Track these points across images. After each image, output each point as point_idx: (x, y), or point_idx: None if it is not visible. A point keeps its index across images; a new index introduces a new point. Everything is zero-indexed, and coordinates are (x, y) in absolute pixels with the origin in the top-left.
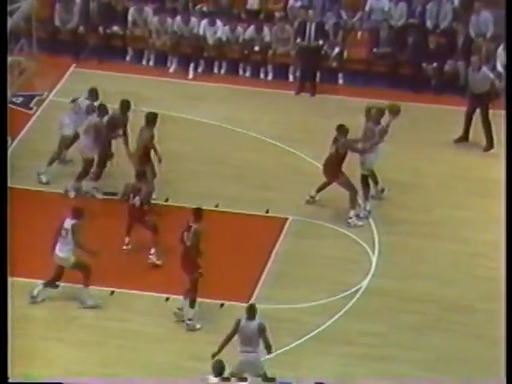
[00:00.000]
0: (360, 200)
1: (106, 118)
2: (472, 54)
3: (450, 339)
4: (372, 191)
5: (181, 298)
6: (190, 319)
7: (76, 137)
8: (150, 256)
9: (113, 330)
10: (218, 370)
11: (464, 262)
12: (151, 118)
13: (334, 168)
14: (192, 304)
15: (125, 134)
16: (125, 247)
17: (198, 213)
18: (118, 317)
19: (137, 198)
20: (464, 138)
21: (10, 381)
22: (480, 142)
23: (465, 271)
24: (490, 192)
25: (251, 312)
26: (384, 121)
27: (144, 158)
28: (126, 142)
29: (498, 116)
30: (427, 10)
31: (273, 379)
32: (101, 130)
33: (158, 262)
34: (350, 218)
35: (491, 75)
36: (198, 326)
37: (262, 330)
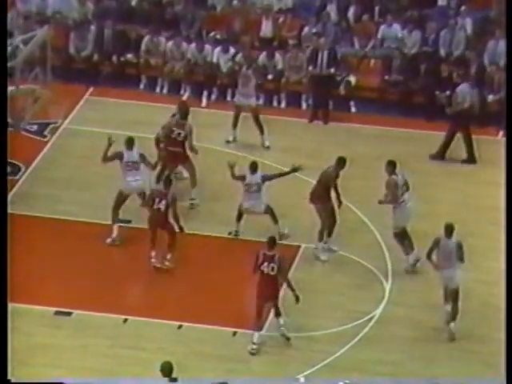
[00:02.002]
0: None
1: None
2: (485, 82)
3: (464, 368)
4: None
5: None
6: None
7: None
8: (166, 262)
9: (125, 358)
10: (168, 370)
11: (477, 291)
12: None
13: (318, 195)
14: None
15: None
16: (153, 260)
17: (273, 241)
18: (130, 345)
19: (163, 201)
20: (441, 154)
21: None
22: (489, 170)
23: (478, 299)
24: (501, 220)
25: (448, 230)
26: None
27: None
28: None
29: (489, 142)
30: (440, 38)
31: None
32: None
33: (171, 266)
34: (316, 248)
35: (469, 91)
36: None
37: (460, 247)
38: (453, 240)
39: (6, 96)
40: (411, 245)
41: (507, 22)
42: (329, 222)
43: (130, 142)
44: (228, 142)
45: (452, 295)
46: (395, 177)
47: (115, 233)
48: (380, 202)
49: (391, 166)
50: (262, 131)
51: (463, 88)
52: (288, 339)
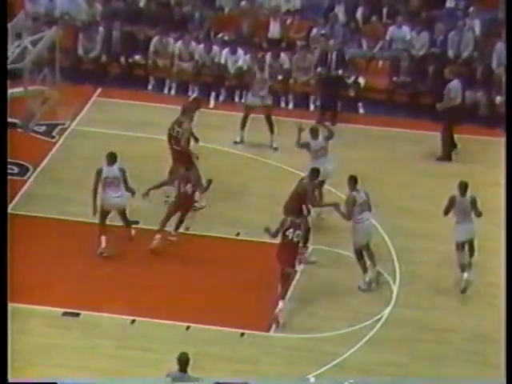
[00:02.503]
0: None
1: None
2: (492, 84)
3: (471, 370)
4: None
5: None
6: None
7: None
8: (172, 238)
9: (133, 359)
10: (184, 362)
11: (485, 292)
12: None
13: (292, 208)
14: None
15: None
16: (155, 242)
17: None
18: (138, 346)
19: (188, 185)
20: (446, 155)
21: (10, 381)
22: (497, 171)
23: (485, 301)
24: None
25: (462, 188)
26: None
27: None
28: None
29: (496, 144)
30: (449, 39)
31: None
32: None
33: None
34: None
35: (459, 87)
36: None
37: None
38: (467, 197)
39: (6, 96)
40: (372, 262)
41: (507, 22)
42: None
43: (110, 158)
44: (236, 142)
45: (469, 247)
46: (355, 193)
47: (103, 244)
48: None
49: (352, 181)
50: (272, 131)
51: (455, 84)
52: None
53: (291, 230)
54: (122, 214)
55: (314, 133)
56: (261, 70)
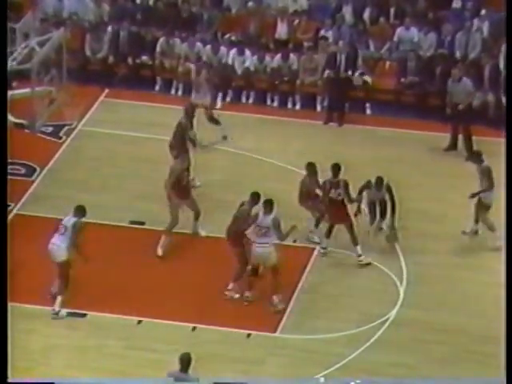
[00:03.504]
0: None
1: None
2: (499, 85)
3: (479, 371)
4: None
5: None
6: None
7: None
8: (200, 231)
9: (140, 359)
10: (186, 362)
11: (493, 293)
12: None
13: (234, 235)
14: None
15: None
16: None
17: (337, 169)
18: (145, 346)
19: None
20: (453, 146)
21: (10, 381)
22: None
23: (494, 302)
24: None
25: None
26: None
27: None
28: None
29: (497, 144)
30: (456, 40)
31: None
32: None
33: (203, 233)
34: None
35: (471, 87)
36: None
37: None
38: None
39: (6, 97)
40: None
41: (507, 22)
42: (240, 268)
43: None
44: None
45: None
46: (261, 214)
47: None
48: None
49: (268, 204)
50: (218, 123)
51: (465, 81)
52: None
53: (332, 191)
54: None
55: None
56: (206, 70)
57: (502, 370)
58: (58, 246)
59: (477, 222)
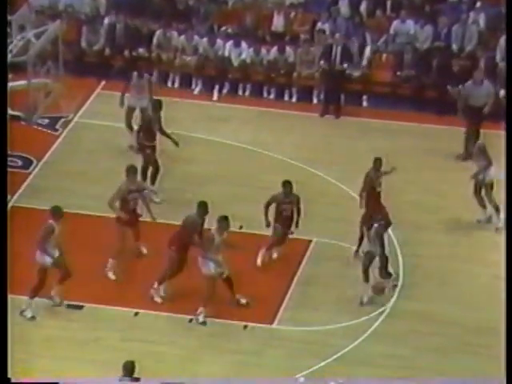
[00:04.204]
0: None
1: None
2: (496, 77)
3: (475, 362)
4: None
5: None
6: None
7: None
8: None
9: (137, 351)
10: (129, 369)
11: (488, 284)
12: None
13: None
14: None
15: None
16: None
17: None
18: (142, 338)
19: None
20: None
21: (12, 381)
22: (499, 165)
23: (489, 293)
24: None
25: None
26: None
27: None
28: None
29: (494, 136)
30: (452, 33)
31: None
32: None
33: (144, 250)
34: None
35: (492, 88)
36: None
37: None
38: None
39: (6, 90)
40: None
41: (507, 22)
42: (170, 271)
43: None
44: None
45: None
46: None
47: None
48: None
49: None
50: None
51: (487, 85)
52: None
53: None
54: None
55: None
56: (139, 76)
57: (497, 362)
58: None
59: (484, 206)
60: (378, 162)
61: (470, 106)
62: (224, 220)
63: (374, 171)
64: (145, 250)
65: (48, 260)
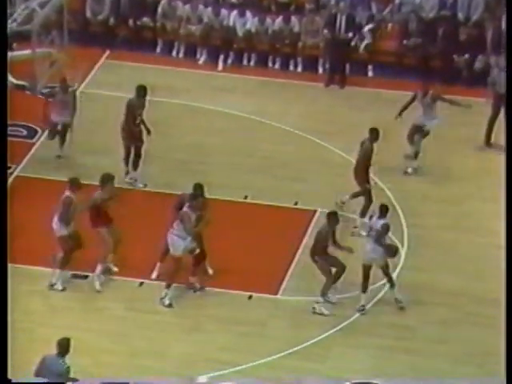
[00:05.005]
0: None
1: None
2: (502, 47)
3: (479, 333)
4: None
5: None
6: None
7: None
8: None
9: (141, 321)
10: (64, 347)
11: (493, 255)
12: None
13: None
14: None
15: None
16: None
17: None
18: (146, 308)
19: None
20: (488, 142)
21: (12, 381)
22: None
23: (494, 264)
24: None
25: None
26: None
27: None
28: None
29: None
30: (458, 1)
31: None
32: None
33: (115, 269)
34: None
35: None
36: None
37: None
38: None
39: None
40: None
41: (507, 22)
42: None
43: None
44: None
45: None
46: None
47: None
48: None
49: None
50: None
51: None
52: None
53: None
54: None
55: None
56: (64, 92)
57: (499, 332)
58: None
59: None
60: (374, 132)
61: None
62: (197, 198)
63: (368, 142)
64: (115, 268)
65: (65, 231)
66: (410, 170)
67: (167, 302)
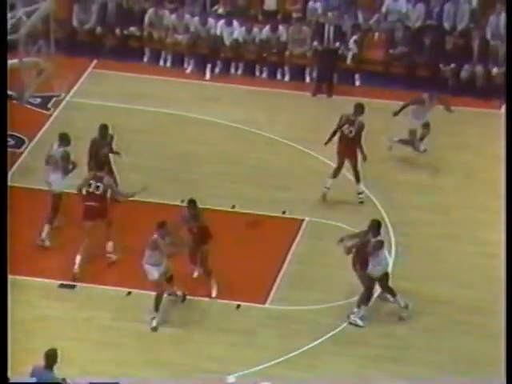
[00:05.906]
0: None
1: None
2: (489, 57)
3: (467, 341)
4: None
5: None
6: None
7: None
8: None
9: (129, 331)
10: (51, 358)
11: (481, 264)
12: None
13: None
14: None
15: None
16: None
17: (360, 107)
18: (134, 318)
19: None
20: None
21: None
22: (493, 144)
23: (482, 273)
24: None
25: None
26: None
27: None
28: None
29: (494, 115)
30: (444, 11)
31: None
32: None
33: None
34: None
35: None
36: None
37: None
38: None
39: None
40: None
41: (507, 22)
42: None
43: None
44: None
45: None
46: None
47: (44, 233)
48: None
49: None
50: None
51: None
52: None
53: (346, 126)
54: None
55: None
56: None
57: (488, 340)
58: (57, 179)
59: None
60: (359, 108)
61: None
62: (162, 227)
63: (352, 114)
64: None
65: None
66: (422, 148)
67: (154, 324)
